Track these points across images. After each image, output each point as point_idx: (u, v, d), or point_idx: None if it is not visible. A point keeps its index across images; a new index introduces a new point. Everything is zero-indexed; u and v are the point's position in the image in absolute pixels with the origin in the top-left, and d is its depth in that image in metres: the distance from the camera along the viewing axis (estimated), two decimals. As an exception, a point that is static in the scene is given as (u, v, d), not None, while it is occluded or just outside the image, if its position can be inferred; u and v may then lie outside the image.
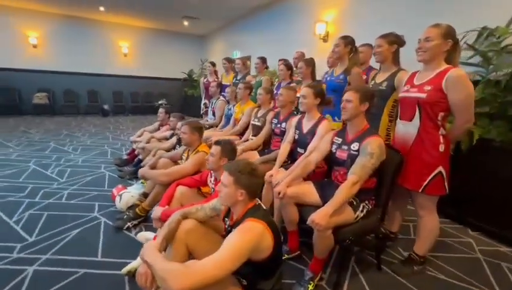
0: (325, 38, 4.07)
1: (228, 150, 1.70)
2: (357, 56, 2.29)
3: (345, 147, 1.56)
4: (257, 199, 1.21)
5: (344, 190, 1.37)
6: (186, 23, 7.76)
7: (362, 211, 1.49)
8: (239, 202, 1.13)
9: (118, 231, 1.95)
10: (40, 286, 1.41)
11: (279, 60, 3.22)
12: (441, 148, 1.46)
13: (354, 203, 1.47)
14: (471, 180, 2.19)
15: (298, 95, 2.70)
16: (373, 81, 1.99)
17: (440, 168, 1.47)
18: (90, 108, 8.11)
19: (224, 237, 1.12)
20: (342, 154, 1.57)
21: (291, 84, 2.97)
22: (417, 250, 1.65)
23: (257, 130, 2.67)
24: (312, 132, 1.90)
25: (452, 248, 1.95)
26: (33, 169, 3.16)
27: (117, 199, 2.24)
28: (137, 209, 2.05)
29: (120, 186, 2.44)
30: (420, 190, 1.50)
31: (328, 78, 2.46)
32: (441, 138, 1.46)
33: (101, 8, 6.82)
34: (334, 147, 1.64)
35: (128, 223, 1.98)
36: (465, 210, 2.29)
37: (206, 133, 3.21)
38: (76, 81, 7.94)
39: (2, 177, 2.84)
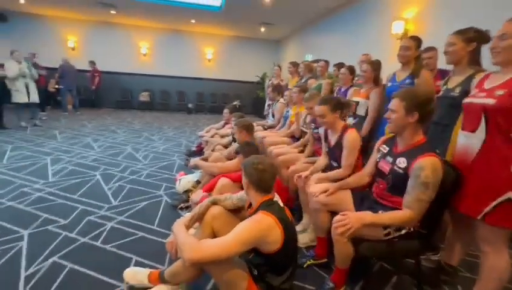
0: (402, 38, 3.64)
1: (249, 152, 1.83)
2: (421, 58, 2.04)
3: (390, 159, 1.39)
4: (275, 194, 1.28)
5: (395, 218, 1.26)
6: (262, 29, 8.20)
7: (399, 230, 1.33)
8: (251, 194, 1.24)
9: (173, 208, 2.32)
10: (112, 238, 1.84)
11: (334, 65, 3.10)
12: None
13: (388, 219, 1.33)
14: None
15: (356, 99, 2.57)
16: (445, 87, 1.70)
17: (510, 194, 1.15)
18: (178, 106, 9.55)
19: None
20: (384, 166, 1.42)
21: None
22: None
23: (305, 135, 2.67)
24: (339, 145, 1.78)
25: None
26: (128, 152, 4.02)
27: (177, 182, 2.65)
28: (190, 194, 2.39)
29: (182, 172, 2.88)
30: (479, 217, 1.21)
31: (390, 84, 2.25)
32: None
33: (192, 21, 7.97)
34: (379, 155, 1.51)
35: (182, 205, 2.33)
36: None
37: (262, 133, 3.39)
38: (169, 83, 9.52)
39: (108, 155, 3.75)
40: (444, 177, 1.26)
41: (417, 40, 2.13)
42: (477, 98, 1.27)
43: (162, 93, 9.51)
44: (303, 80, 3.97)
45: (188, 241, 1.09)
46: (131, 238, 1.87)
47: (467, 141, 1.30)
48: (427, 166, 1.19)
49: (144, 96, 9.19)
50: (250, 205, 1.41)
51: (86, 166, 3.24)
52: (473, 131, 1.26)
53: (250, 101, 9.84)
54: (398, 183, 1.31)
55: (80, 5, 7.09)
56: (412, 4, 3.61)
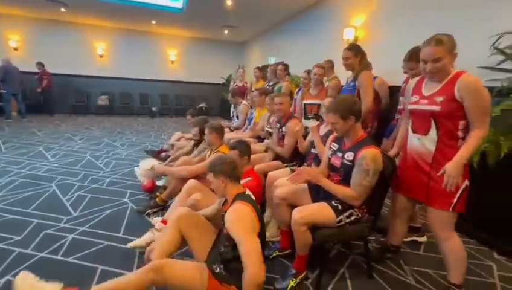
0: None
1: (244, 148, 1.94)
2: (365, 61, 2.33)
3: (340, 155, 1.59)
4: (246, 189, 1.38)
5: (341, 191, 1.47)
6: (226, 31, 8.26)
7: (349, 217, 1.51)
8: (226, 188, 1.33)
9: (139, 215, 2.29)
10: (74, 250, 1.77)
11: (305, 71, 3.31)
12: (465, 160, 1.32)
13: (339, 207, 1.51)
14: (502, 199, 1.98)
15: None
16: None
17: (466, 182, 1.35)
18: (141, 109, 9.16)
19: (222, 218, 1.32)
20: (336, 161, 1.61)
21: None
22: (454, 279, 1.45)
23: (270, 136, 2.82)
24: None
25: (468, 271, 1.81)
26: (88, 159, 3.80)
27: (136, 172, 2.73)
28: (157, 199, 2.37)
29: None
30: (450, 209, 1.36)
31: (344, 86, 2.53)
32: None
33: (153, 22, 7.72)
34: (330, 152, 1.69)
35: (149, 210, 2.31)
36: (494, 232, 2.08)
37: (229, 135, 3.47)
38: (130, 85, 9.08)
39: (64, 164, 3.51)
40: (384, 168, 1.49)
41: (354, 49, 2.39)
42: (422, 105, 1.43)
43: (123, 96, 9.04)
44: (270, 84, 4.14)
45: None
46: (95, 248, 1.81)
47: (421, 143, 1.46)
48: (368, 156, 1.41)
49: (103, 100, 8.65)
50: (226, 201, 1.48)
51: (39, 177, 3.01)
52: (426, 134, 1.43)
53: (216, 103, 9.84)
54: (348, 174, 1.50)
55: (24, 1, 6.44)
56: (360, 13, 3.99)
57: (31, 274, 1.20)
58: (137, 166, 2.74)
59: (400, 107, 2.66)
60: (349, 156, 1.51)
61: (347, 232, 1.51)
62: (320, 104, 2.69)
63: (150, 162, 2.62)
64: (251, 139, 3.19)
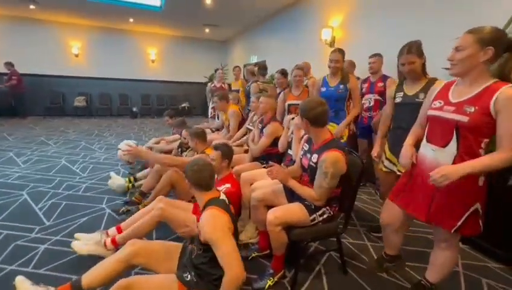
0: (331, 44, 4.09)
1: (226, 151, 1.93)
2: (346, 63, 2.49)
3: (308, 156, 1.62)
4: (221, 193, 1.39)
5: (305, 192, 1.51)
6: (207, 30, 8.17)
7: (322, 215, 1.57)
8: (196, 195, 1.36)
9: (117, 221, 2.24)
10: (46, 262, 1.72)
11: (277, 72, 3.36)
12: (480, 181, 1.19)
13: (312, 206, 1.55)
14: None
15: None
16: (401, 93, 1.81)
17: (477, 205, 1.21)
18: (122, 110, 8.90)
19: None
20: (305, 162, 1.65)
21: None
22: (431, 278, 1.46)
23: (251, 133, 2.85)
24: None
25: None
26: (63, 164, 3.66)
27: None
28: (134, 197, 2.34)
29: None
30: (452, 231, 1.24)
31: (324, 89, 2.57)
32: None
33: (131, 20, 7.50)
34: (301, 153, 1.74)
35: (123, 208, 2.24)
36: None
37: (210, 136, 3.45)
38: (109, 85, 8.79)
39: (37, 171, 3.36)
40: (352, 166, 1.54)
41: (343, 52, 2.51)
42: (446, 113, 1.22)
43: (102, 96, 8.73)
44: (249, 83, 4.18)
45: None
46: (70, 257, 1.76)
47: (435, 156, 1.26)
48: (328, 159, 1.43)
49: (80, 101, 8.31)
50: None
51: (9, 185, 2.86)
52: (444, 146, 1.23)
53: (199, 102, 9.72)
54: (313, 175, 1.53)
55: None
56: (337, 13, 4.08)
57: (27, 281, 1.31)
58: (113, 171, 2.69)
59: (369, 104, 2.78)
60: (314, 157, 1.54)
61: (321, 230, 1.57)
62: None
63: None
64: (228, 140, 3.20)
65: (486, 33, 1.12)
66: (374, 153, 1.97)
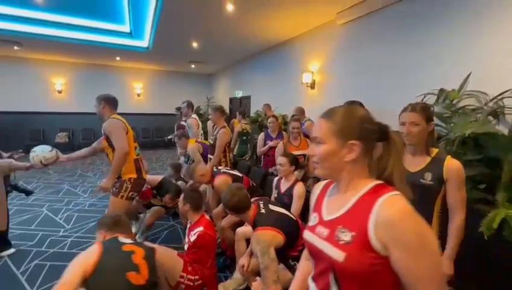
0: (312, 86, 4.40)
1: (190, 197, 1.91)
2: None
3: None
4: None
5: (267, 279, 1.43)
6: (193, 66, 8.47)
7: None
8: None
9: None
10: None
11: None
12: None
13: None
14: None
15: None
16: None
17: None
18: (105, 144, 8.74)
19: None
20: None
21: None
22: None
23: (212, 148, 3.12)
24: (289, 193, 2.16)
25: None
26: (45, 215, 3.53)
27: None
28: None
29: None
30: None
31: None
32: None
33: (117, 58, 7.66)
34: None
35: None
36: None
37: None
38: (92, 120, 8.65)
39: (17, 225, 3.21)
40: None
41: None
42: (317, 238, 0.73)
43: (85, 132, 8.59)
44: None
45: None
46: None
47: None
48: (253, 241, 1.53)
49: (61, 137, 8.12)
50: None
51: (-13, 246, 2.71)
52: None
53: (186, 133, 9.79)
54: None
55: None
56: (316, 59, 4.43)
57: None
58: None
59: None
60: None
61: None
62: (305, 155, 2.85)
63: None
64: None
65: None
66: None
